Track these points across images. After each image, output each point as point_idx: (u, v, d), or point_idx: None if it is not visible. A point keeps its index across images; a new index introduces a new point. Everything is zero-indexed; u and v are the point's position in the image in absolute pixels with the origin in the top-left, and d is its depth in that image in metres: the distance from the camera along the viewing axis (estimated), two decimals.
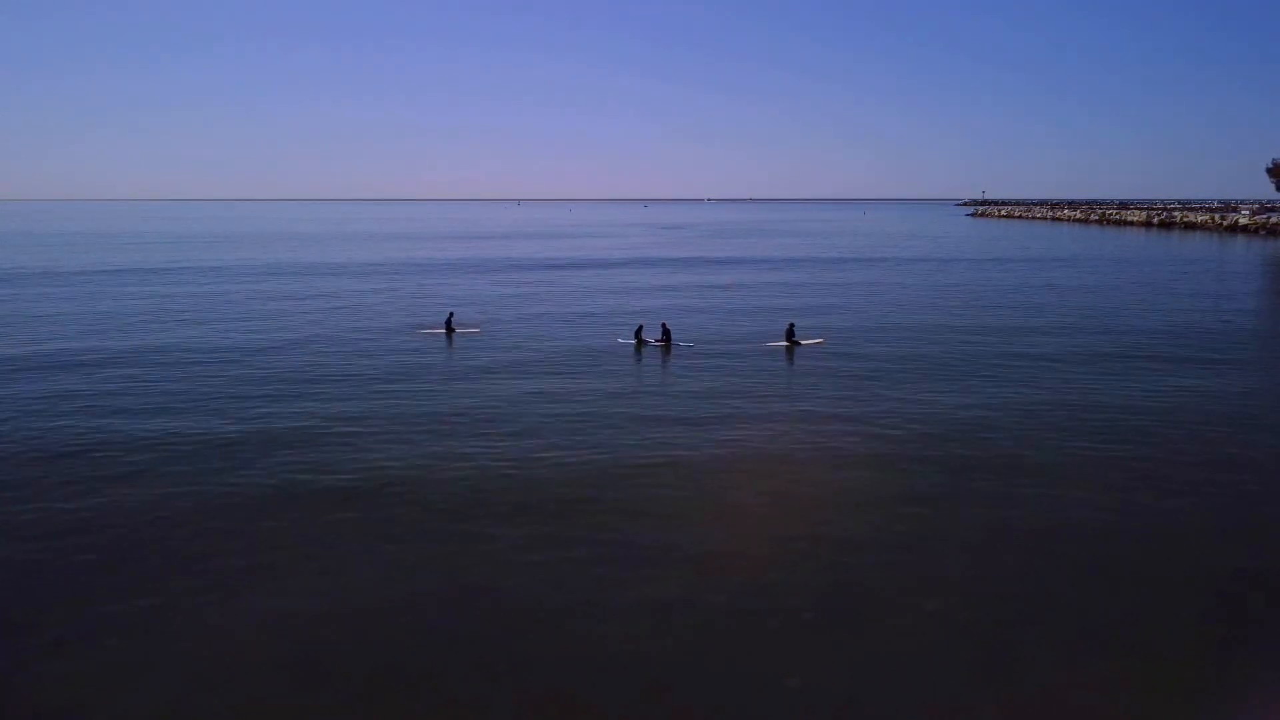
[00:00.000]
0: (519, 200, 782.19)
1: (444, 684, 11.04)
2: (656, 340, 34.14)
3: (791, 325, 34.83)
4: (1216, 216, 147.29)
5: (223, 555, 14.45)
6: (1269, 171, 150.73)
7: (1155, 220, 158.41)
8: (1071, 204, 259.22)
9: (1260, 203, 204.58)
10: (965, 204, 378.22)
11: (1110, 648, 11.72)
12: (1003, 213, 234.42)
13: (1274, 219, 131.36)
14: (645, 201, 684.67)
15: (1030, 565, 14.16)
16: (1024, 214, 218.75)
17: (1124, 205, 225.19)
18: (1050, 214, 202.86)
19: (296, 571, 13.96)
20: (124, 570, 13.97)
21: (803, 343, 34.00)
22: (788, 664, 11.37)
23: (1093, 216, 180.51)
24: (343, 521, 16.00)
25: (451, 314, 39.48)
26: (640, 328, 35.09)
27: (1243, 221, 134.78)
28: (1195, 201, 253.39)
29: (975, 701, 10.68)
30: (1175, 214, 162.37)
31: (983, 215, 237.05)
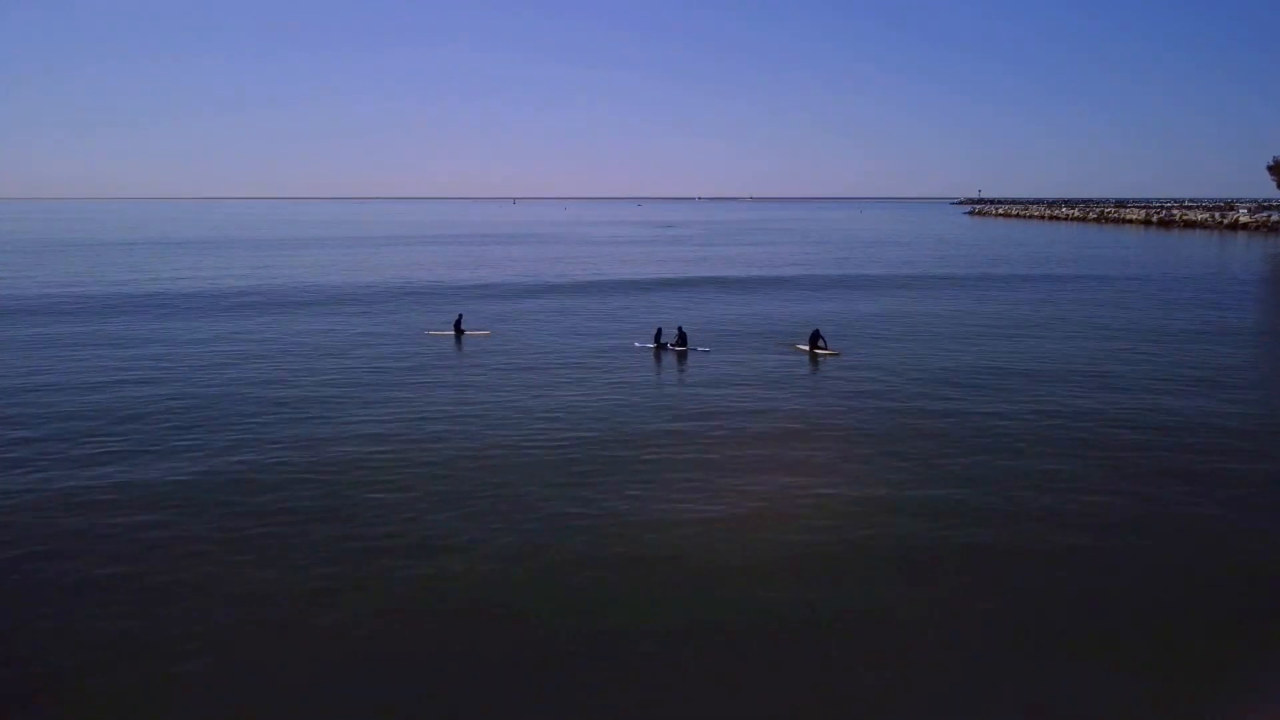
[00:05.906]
0: (515, 199, 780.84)
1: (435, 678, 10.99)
2: (673, 344, 33.58)
3: (817, 331, 33.67)
4: (1216, 215, 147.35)
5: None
6: (1269, 169, 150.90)
7: (1154, 219, 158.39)
8: (1068, 203, 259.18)
9: (1259, 201, 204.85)
10: (961, 203, 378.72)
11: (1114, 657, 11.52)
12: (1000, 212, 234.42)
13: (1274, 217, 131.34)
14: (639, 200, 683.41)
15: (1036, 575, 13.83)
16: (1021, 213, 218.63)
17: (1121, 204, 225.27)
18: (1048, 213, 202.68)
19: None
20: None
21: (820, 351, 32.73)
22: (789, 666, 11.30)
23: (1091, 215, 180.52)
24: (341, 520, 15.77)
25: (460, 315, 38.60)
26: (659, 331, 34.41)
27: (1243, 220, 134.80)
28: (1193, 200, 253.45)
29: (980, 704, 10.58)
30: (1174, 213, 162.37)
31: (980, 214, 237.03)
